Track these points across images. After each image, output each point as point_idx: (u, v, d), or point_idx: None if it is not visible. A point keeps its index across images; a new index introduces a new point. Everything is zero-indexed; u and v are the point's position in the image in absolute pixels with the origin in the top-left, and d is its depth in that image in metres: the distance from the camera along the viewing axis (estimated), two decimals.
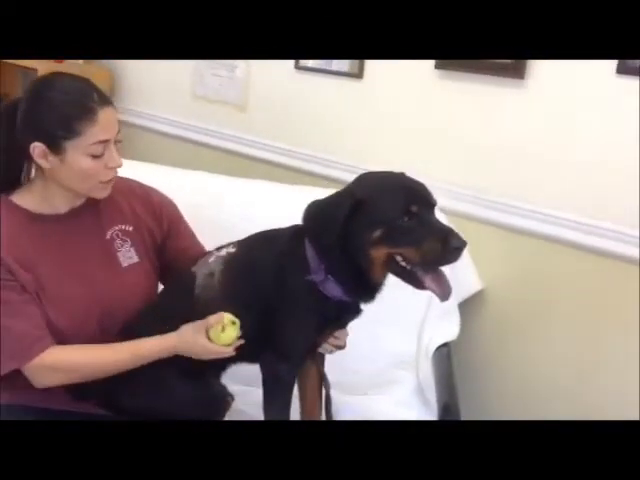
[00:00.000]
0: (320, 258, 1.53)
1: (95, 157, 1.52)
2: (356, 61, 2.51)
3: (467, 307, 2.26)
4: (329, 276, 1.53)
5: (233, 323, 1.53)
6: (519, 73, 2.12)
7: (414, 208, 1.44)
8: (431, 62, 2.30)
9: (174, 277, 1.75)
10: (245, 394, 1.78)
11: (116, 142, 1.57)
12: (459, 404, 1.96)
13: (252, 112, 2.91)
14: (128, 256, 1.69)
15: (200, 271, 1.64)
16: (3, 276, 1.51)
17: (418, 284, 1.49)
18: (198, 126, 3.11)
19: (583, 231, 2.06)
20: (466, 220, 2.10)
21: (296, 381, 1.66)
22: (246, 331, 1.55)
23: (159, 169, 2.39)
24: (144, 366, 1.57)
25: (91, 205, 1.66)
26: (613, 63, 1.94)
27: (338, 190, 1.55)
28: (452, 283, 1.50)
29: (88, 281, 1.62)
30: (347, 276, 1.52)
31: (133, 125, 3.43)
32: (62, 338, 1.56)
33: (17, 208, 1.59)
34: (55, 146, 1.50)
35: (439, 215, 1.55)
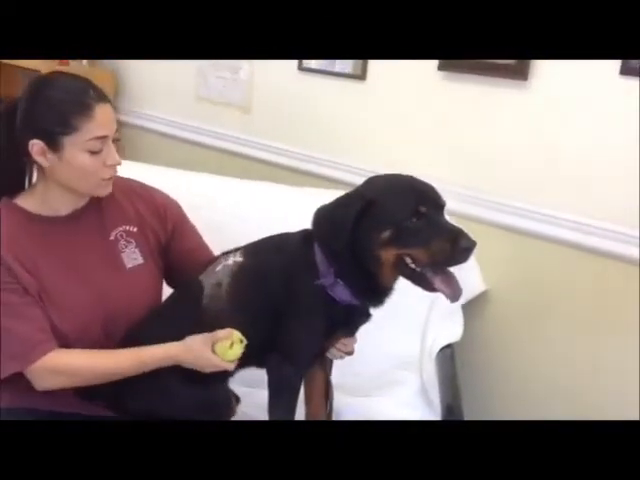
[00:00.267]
0: (329, 262, 1.53)
1: (93, 154, 1.52)
2: (359, 62, 2.51)
3: (471, 308, 2.26)
4: (338, 280, 1.53)
5: (241, 341, 1.53)
6: (522, 74, 2.12)
7: (423, 209, 1.44)
8: (434, 63, 2.30)
9: (181, 285, 1.74)
10: (248, 396, 1.78)
11: (114, 140, 1.57)
12: (462, 405, 1.96)
13: (255, 114, 2.91)
14: (133, 257, 1.69)
15: (207, 281, 1.63)
16: (5, 279, 1.51)
17: (428, 286, 1.48)
18: (202, 128, 3.12)
19: (587, 232, 2.06)
20: (470, 221, 2.10)
21: (302, 385, 1.66)
22: (254, 338, 1.54)
23: (153, 169, 2.39)
24: (150, 370, 1.56)
25: (94, 206, 1.66)
26: (616, 64, 1.94)
27: (346, 192, 1.56)
28: (459, 284, 1.50)
29: (92, 283, 1.61)
30: (356, 280, 1.52)
31: (137, 127, 3.44)
32: (66, 341, 1.56)
33: (19, 210, 1.59)
34: (53, 143, 1.51)
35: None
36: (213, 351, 1.53)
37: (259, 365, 1.62)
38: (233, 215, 2.19)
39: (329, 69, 2.61)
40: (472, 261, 2.14)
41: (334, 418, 1.79)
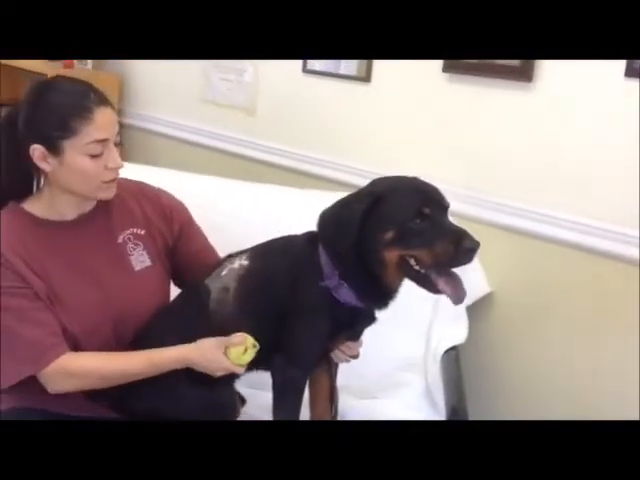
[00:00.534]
0: (334, 264, 1.53)
1: (94, 157, 1.52)
2: (364, 64, 2.51)
3: (475, 310, 2.26)
4: (343, 282, 1.53)
5: (254, 346, 1.53)
6: (527, 76, 2.11)
7: (427, 210, 1.45)
8: (439, 65, 2.30)
9: (188, 288, 1.74)
10: (252, 397, 1.78)
11: (116, 144, 1.57)
12: (467, 407, 1.96)
13: (260, 116, 2.92)
14: (141, 260, 1.69)
15: (214, 285, 1.64)
16: (15, 283, 1.51)
17: (432, 287, 1.48)
18: (206, 130, 3.12)
19: (592, 234, 2.05)
20: (474, 223, 2.10)
21: (307, 388, 1.66)
22: (261, 341, 1.54)
23: (157, 171, 2.39)
24: None
25: (102, 209, 1.67)
26: (621, 66, 1.93)
27: (350, 193, 1.56)
28: (463, 286, 1.49)
29: (101, 286, 1.62)
30: (361, 282, 1.52)
31: (142, 129, 3.45)
32: (76, 343, 1.57)
33: (27, 215, 1.60)
34: (53, 147, 1.51)
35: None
36: (226, 355, 1.53)
37: (265, 368, 1.63)
38: (236, 217, 2.19)
39: (333, 71, 2.61)
40: (476, 263, 2.16)
41: None
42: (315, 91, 2.70)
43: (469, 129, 2.29)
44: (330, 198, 1.57)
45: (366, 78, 2.52)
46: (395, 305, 1.59)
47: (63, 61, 3.41)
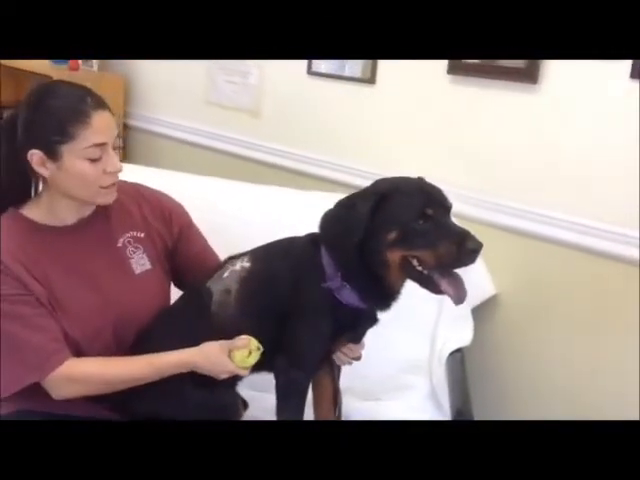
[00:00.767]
0: (336, 265, 1.53)
1: (92, 161, 1.51)
2: (368, 66, 2.51)
3: (480, 312, 2.26)
4: (345, 283, 1.53)
5: (258, 349, 1.53)
6: (532, 78, 2.11)
7: (429, 211, 1.44)
8: (443, 67, 2.30)
9: (189, 291, 1.74)
10: (256, 399, 1.77)
11: (115, 148, 1.57)
12: (472, 409, 1.95)
13: (265, 118, 2.92)
14: (141, 263, 1.69)
15: (216, 287, 1.63)
16: (16, 290, 1.51)
17: (434, 288, 1.48)
18: (211, 132, 3.12)
19: (598, 236, 2.05)
20: (479, 225, 2.10)
21: (310, 390, 1.66)
22: (264, 343, 1.54)
23: (162, 173, 2.39)
24: None
25: (101, 213, 1.66)
26: (626, 67, 1.93)
27: (351, 194, 1.56)
28: (465, 286, 1.49)
29: (101, 290, 1.62)
30: (363, 283, 1.52)
31: (147, 131, 3.46)
32: (77, 348, 1.57)
33: (26, 220, 1.59)
34: (51, 152, 1.50)
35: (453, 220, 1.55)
36: (230, 358, 1.53)
37: (268, 370, 1.62)
38: (239, 218, 2.19)
39: (338, 73, 2.61)
40: (482, 265, 2.16)
41: None
42: (320, 93, 2.70)
43: (473, 131, 2.29)
44: (334, 200, 1.57)
45: (371, 80, 2.52)
46: (400, 307, 1.59)
47: (68, 63, 3.41)
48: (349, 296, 1.53)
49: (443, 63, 2.30)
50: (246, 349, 1.52)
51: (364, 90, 2.55)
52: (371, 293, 1.54)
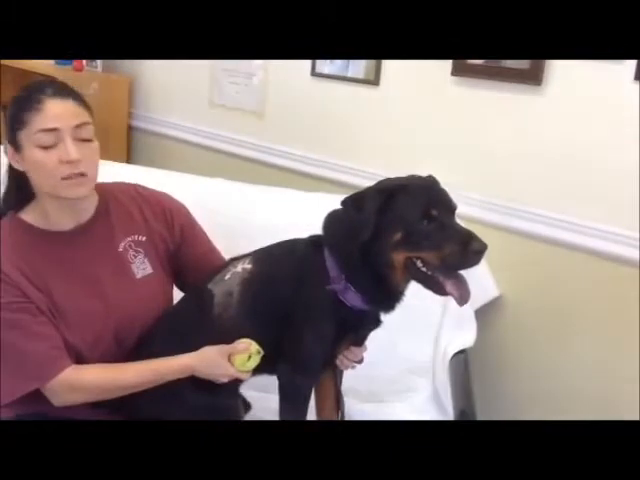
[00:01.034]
0: (340, 267, 1.53)
1: (44, 148, 1.49)
2: (372, 68, 2.51)
3: (484, 314, 2.26)
4: (349, 285, 1.52)
5: (258, 352, 1.53)
6: (536, 79, 2.11)
7: (434, 212, 1.44)
8: (448, 68, 2.30)
9: (190, 293, 1.73)
10: (260, 400, 1.78)
11: (85, 140, 1.53)
12: (476, 410, 1.95)
13: (269, 119, 2.92)
14: (142, 267, 1.67)
15: (217, 289, 1.63)
16: (16, 298, 1.50)
17: (439, 289, 1.48)
18: (215, 133, 3.13)
19: (601, 238, 2.05)
20: (483, 226, 2.10)
21: (313, 394, 1.65)
22: (266, 346, 1.54)
23: (166, 174, 2.38)
24: None
25: (101, 217, 1.65)
26: (631, 69, 1.93)
27: (354, 192, 1.55)
28: (469, 287, 1.49)
29: (102, 296, 1.60)
30: (368, 284, 1.52)
31: (151, 132, 3.46)
32: (78, 354, 1.56)
33: (25, 225, 1.59)
34: (14, 142, 1.52)
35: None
36: (230, 362, 1.53)
37: (270, 372, 1.62)
38: (243, 220, 2.19)
39: (342, 74, 2.62)
40: (485, 266, 2.16)
41: None
42: (324, 94, 2.70)
43: (477, 132, 2.29)
44: (338, 201, 1.56)
45: (375, 81, 2.52)
46: (403, 308, 1.58)
47: (73, 63, 3.41)
48: (353, 298, 1.53)
49: (447, 64, 2.30)
50: (246, 353, 1.52)
51: (368, 91, 2.56)
52: (375, 295, 1.54)
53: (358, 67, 2.56)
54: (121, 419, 1.61)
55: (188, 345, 1.57)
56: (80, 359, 1.57)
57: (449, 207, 1.48)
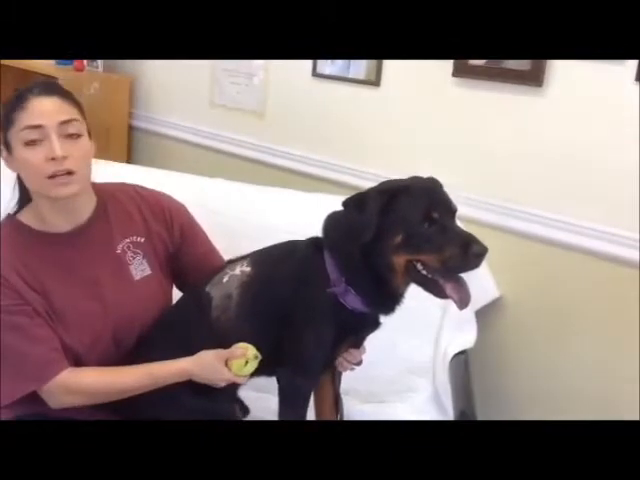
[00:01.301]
0: (340, 270, 1.52)
1: (29, 145, 1.49)
2: (373, 68, 2.51)
3: (484, 315, 2.25)
4: (349, 288, 1.52)
5: (256, 357, 1.52)
6: (537, 80, 2.11)
7: (435, 214, 1.44)
8: (448, 69, 2.30)
9: (188, 295, 1.72)
10: (260, 401, 1.77)
11: (73, 137, 1.53)
12: (476, 411, 1.95)
13: (270, 119, 2.92)
14: (140, 269, 1.66)
15: (215, 292, 1.62)
16: (14, 301, 1.50)
17: (439, 292, 1.47)
18: (216, 133, 3.13)
19: (601, 239, 2.05)
20: (483, 228, 2.10)
21: (313, 396, 1.65)
22: (265, 349, 1.53)
23: (167, 174, 2.39)
24: None
25: (100, 219, 1.64)
26: (632, 70, 1.93)
27: (355, 193, 1.55)
28: (469, 291, 1.49)
29: (100, 298, 1.60)
30: (368, 287, 1.51)
31: (152, 132, 3.46)
32: (76, 356, 1.56)
33: (23, 227, 1.58)
34: (6, 142, 1.53)
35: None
36: (227, 367, 1.52)
37: (269, 374, 1.62)
38: (245, 220, 2.19)
39: (343, 75, 2.61)
40: (485, 268, 2.16)
41: None
42: (324, 95, 2.70)
43: (478, 133, 2.29)
44: (338, 202, 1.56)
45: (375, 82, 2.52)
46: (404, 310, 1.58)
47: (74, 63, 3.41)
48: (353, 301, 1.52)
49: (448, 65, 2.30)
50: (243, 358, 1.52)
51: (369, 92, 2.55)
52: (375, 297, 1.53)
53: (359, 68, 2.56)
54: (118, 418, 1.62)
55: (186, 348, 1.56)
56: (78, 361, 1.56)
57: (450, 209, 1.48)
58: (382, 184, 1.54)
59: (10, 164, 1.55)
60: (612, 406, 2.08)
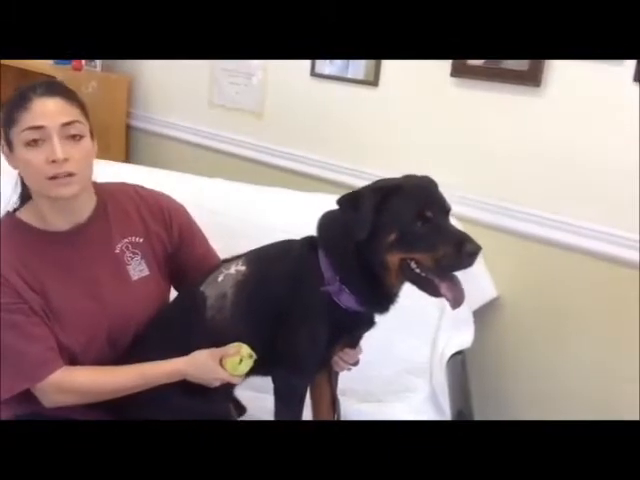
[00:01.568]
0: (334, 268, 1.52)
1: (30, 146, 1.49)
2: (372, 68, 2.51)
3: (482, 315, 2.26)
4: (344, 287, 1.52)
5: (250, 356, 1.52)
6: (535, 80, 2.11)
7: (429, 213, 1.44)
8: (447, 70, 2.30)
9: (183, 295, 1.72)
10: (257, 400, 1.77)
11: (75, 138, 1.53)
12: (473, 411, 1.95)
13: (269, 119, 2.92)
14: (139, 269, 1.67)
15: (210, 291, 1.62)
16: (10, 298, 1.50)
17: (433, 291, 1.48)
18: (215, 133, 3.13)
19: (599, 239, 2.05)
20: (481, 228, 2.10)
21: (309, 396, 1.65)
22: (260, 348, 1.54)
23: (166, 174, 2.38)
24: None
25: (99, 218, 1.64)
26: (630, 70, 1.93)
27: (347, 192, 1.55)
28: (467, 291, 1.48)
29: (97, 298, 1.60)
30: (362, 286, 1.52)
31: (151, 132, 3.46)
32: (72, 355, 1.56)
33: (22, 225, 1.58)
34: (7, 141, 1.53)
35: (454, 223, 1.54)
36: (222, 366, 1.52)
37: (264, 374, 1.62)
38: (245, 220, 2.19)
39: (342, 75, 2.62)
40: (483, 267, 2.16)
41: None
42: (323, 95, 2.70)
43: (476, 133, 2.29)
44: (320, 199, 1.55)
45: (374, 82, 2.52)
46: (401, 309, 1.58)
47: (72, 63, 3.41)
48: (347, 299, 1.52)
49: (447, 65, 2.30)
50: (237, 357, 1.51)
51: (367, 92, 2.56)
52: (369, 296, 1.53)
53: (358, 68, 2.56)
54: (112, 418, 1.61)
55: (181, 348, 1.56)
56: (73, 360, 1.57)
57: (444, 208, 1.48)
58: (376, 182, 1.54)
59: (11, 162, 1.55)
60: (612, 406, 2.09)
